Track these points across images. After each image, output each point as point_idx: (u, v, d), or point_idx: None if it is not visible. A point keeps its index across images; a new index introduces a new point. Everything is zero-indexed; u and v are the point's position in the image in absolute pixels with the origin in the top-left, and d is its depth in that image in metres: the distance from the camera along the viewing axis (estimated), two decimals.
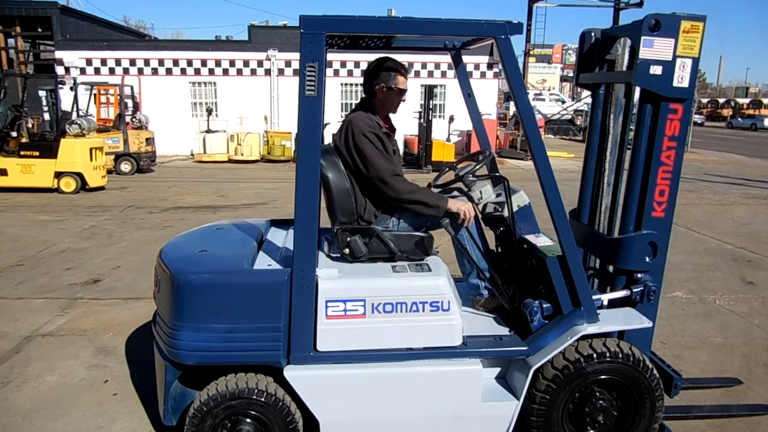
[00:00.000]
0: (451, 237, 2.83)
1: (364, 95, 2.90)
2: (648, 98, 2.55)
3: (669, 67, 2.45)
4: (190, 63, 17.15)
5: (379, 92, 2.81)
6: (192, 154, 16.70)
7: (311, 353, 2.44)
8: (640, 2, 22.97)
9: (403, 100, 2.91)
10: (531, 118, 2.42)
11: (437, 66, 17.65)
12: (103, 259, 6.04)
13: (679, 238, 7.01)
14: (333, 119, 14.90)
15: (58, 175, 10.02)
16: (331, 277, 2.48)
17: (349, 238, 2.66)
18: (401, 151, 3.19)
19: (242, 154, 15.61)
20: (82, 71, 16.66)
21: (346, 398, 2.50)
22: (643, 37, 2.43)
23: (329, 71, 15.94)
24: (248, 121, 16.90)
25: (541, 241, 2.86)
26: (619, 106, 2.89)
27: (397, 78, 2.80)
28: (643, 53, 2.44)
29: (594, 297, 2.64)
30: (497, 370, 2.74)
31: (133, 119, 13.62)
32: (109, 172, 11.36)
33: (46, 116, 10.77)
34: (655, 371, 2.63)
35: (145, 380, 3.36)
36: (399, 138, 3.12)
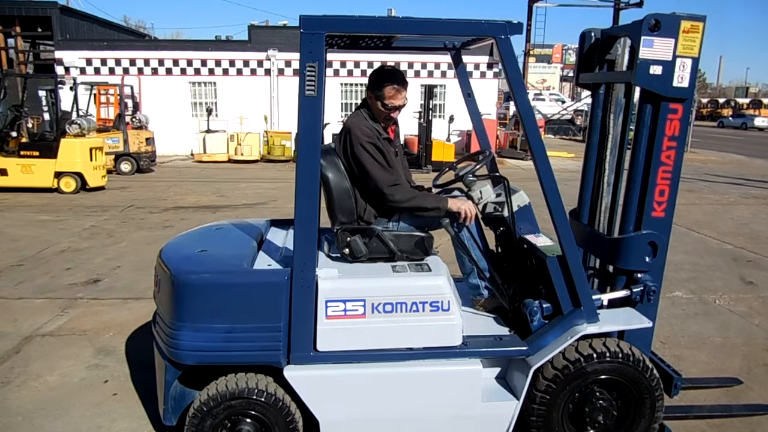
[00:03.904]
0: (451, 237, 2.83)
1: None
2: (648, 98, 2.55)
3: (669, 67, 2.46)
4: (190, 63, 17.15)
5: (369, 99, 2.79)
6: (192, 154, 16.70)
7: (311, 353, 2.44)
8: (640, 2, 22.99)
9: (395, 115, 2.79)
10: (531, 118, 2.42)
11: (437, 66, 17.65)
12: (103, 259, 6.04)
13: (679, 238, 7.01)
14: (333, 119, 14.92)
15: (58, 175, 10.02)
16: (331, 277, 2.48)
17: (349, 238, 2.66)
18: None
19: (242, 154, 15.61)
20: (82, 71, 16.66)
21: (346, 398, 2.50)
22: (643, 37, 2.43)
23: (329, 71, 15.94)
24: (248, 121, 16.90)
25: (541, 241, 2.86)
26: (619, 106, 2.89)
27: (384, 90, 2.69)
28: (643, 53, 2.44)
29: (594, 297, 2.64)
30: (497, 370, 2.74)
31: (133, 119, 13.62)
32: (109, 172, 11.36)
33: (46, 116, 10.75)
34: (655, 371, 2.63)
35: (145, 380, 3.36)
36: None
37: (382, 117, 2.79)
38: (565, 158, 17.49)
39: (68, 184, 10.06)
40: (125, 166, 12.53)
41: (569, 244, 2.51)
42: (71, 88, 11.52)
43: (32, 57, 20.19)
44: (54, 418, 3.06)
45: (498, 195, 2.95)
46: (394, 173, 2.73)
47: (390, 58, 16.44)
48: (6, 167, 9.89)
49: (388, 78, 2.72)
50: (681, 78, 2.48)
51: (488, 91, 18.06)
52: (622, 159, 2.94)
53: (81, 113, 11.58)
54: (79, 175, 10.09)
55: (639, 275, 2.73)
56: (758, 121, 37.08)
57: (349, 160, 2.74)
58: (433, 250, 2.80)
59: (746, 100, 46.19)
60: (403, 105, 2.78)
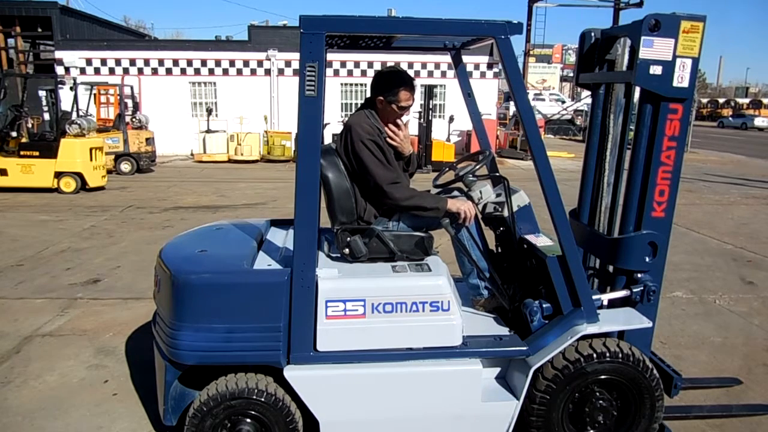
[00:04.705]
0: (451, 237, 2.83)
1: (369, 96, 2.89)
2: (648, 98, 2.55)
3: (669, 67, 2.46)
4: (190, 63, 17.15)
5: (379, 104, 2.79)
6: (192, 154, 16.70)
7: (311, 353, 2.44)
8: (640, 2, 23.01)
9: (405, 114, 2.84)
10: (531, 118, 2.42)
11: (437, 66, 17.64)
12: (103, 259, 6.04)
13: (679, 238, 7.01)
14: (333, 119, 14.92)
15: (58, 175, 10.02)
16: (331, 277, 2.48)
17: (349, 238, 2.66)
18: None
19: (242, 154, 15.61)
20: (82, 71, 16.66)
21: (346, 398, 2.50)
22: (643, 37, 2.43)
23: (329, 71, 15.94)
24: (248, 121, 16.90)
25: (541, 241, 2.86)
26: (619, 106, 2.89)
27: (399, 94, 2.74)
28: (643, 53, 2.44)
29: (594, 297, 2.64)
30: (497, 370, 2.74)
31: (133, 119, 13.62)
32: (109, 172, 11.36)
33: (46, 116, 10.76)
34: (655, 371, 2.63)
35: (145, 380, 3.36)
36: None
37: (393, 118, 2.81)
38: (565, 158, 17.49)
39: (68, 184, 10.06)
40: (125, 166, 12.53)
41: (569, 244, 2.51)
42: (71, 88, 11.52)
43: (32, 57, 20.20)
44: (54, 418, 3.06)
45: (498, 195, 2.95)
46: (394, 171, 2.74)
47: (390, 58, 16.43)
48: (6, 167, 9.89)
49: (401, 82, 2.74)
50: (681, 78, 2.48)
51: (488, 91, 18.06)
52: (622, 159, 2.94)
53: (81, 113, 11.58)
54: (79, 175, 10.09)
55: (639, 275, 2.73)
56: (758, 121, 37.06)
57: (349, 158, 2.74)
58: (433, 250, 2.80)
59: (746, 100, 46.21)
60: (413, 102, 2.85)
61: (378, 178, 2.67)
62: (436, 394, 2.53)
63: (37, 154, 9.96)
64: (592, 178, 3.07)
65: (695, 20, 2.43)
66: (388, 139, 2.80)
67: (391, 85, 2.74)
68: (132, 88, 14.68)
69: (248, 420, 2.50)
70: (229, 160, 15.57)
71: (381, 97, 2.76)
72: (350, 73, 17.41)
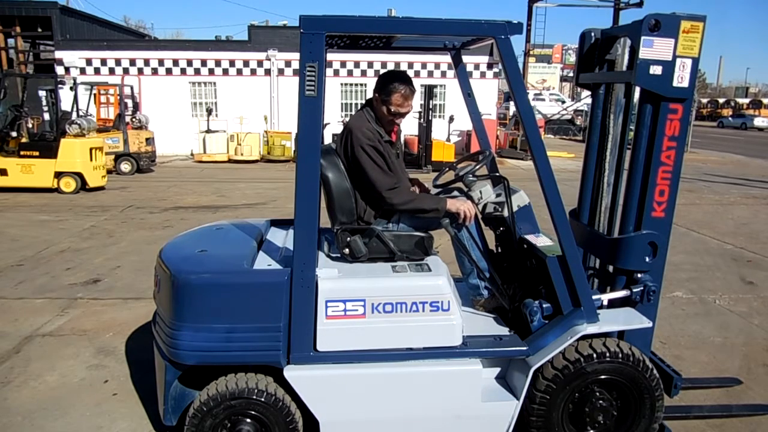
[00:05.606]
0: (451, 237, 2.83)
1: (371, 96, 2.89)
2: (648, 98, 2.55)
3: (669, 67, 2.46)
4: (190, 63, 17.15)
5: (375, 102, 2.80)
6: (192, 154, 16.70)
7: (311, 353, 2.44)
8: (640, 2, 23.02)
9: (399, 121, 2.81)
10: (531, 118, 2.42)
11: (437, 66, 17.65)
12: (103, 259, 6.04)
13: (679, 238, 7.01)
14: (333, 119, 14.92)
15: (58, 175, 10.02)
16: (331, 277, 2.48)
17: (349, 238, 2.66)
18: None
19: (242, 154, 15.62)
20: (82, 71, 16.67)
21: (346, 398, 2.51)
22: (643, 37, 2.43)
23: (329, 71, 15.94)
24: (248, 121, 16.90)
25: (541, 241, 2.86)
26: (619, 106, 2.89)
27: (392, 96, 2.71)
28: (643, 53, 2.44)
29: (594, 297, 2.64)
30: (497, 370, 2.74)
31: (133, 119, 13.62)
32: (109, 172, 11.36)
33: (46, 116, 10.74)
34: (655, 371, 2.63)
35: (145, 380, 3.36)
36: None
37: (385, 121, 2.81)
38: (565, 158, 17.49)
39: (68, 184, 10.06)
40: (125, 166, 12.53)
41: (569, 244, 2.51)
42: (71, 88, 11.52)
43: (32, 57, 20.20)
44: (54, 418, 3.06)
45: (498, 195, 2.95)
46: (393, 176, 2.73)
47: (390, 58, 16.43)
48: (6, 167, 9.89)
49: (398, 84, 2.72)
50: (681, 78, 2.48)
51: (488, 91, 18.06)
52: (622, 159, 2.94)
53: (81, 113, 11.58)
54: (79, 175, 10.09)
55: (639, 275, 2.73)
56: (758, 121, 37.05)
57: (349, 162, 2.74)
58: (433, 250, 2.81)
59: (746, 100, 46.21)
60: (408, 112, 2.80)
61: (377, 183, 2.67)
62: (436, 394, 2.53)
63: (37, 154, 9.96)
64: (592, 178, 3.07)
65: (695, 20, 2.43)
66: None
67: (388, 85, 2.73)
68: (132, 88, 14.68)
69: (248, 420, 2.49)
70: (229, 160, 15.57)
71: (377, 94, 2.77)
72: (350, 73, 17.41)
